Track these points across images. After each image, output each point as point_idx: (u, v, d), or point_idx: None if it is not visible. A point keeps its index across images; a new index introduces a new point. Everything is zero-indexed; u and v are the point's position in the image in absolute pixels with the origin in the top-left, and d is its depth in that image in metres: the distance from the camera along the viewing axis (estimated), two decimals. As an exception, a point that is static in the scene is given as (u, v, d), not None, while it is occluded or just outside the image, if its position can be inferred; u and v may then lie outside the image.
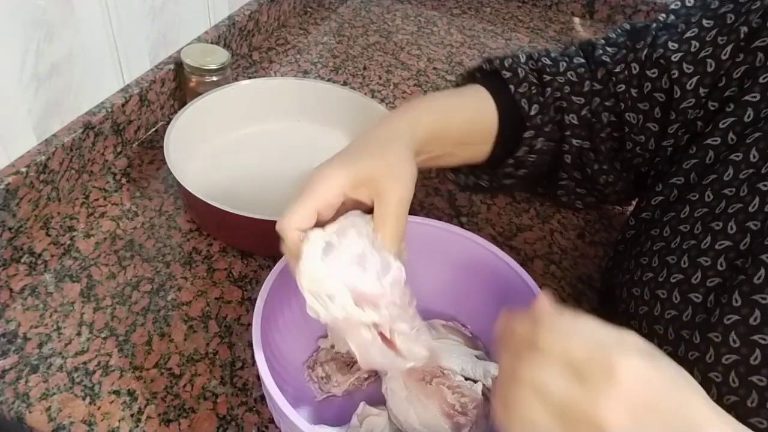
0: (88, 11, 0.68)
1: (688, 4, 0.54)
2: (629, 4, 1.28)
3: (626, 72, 0.54)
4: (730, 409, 0.39)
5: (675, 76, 0.50)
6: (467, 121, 0.54)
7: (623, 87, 0.54)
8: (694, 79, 0.49)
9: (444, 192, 0.80)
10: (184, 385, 0.55)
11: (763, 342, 0.38)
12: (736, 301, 0.40)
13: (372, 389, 0.54)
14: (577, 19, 1.31)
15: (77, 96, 0.71)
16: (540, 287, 0.50)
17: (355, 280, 0.40)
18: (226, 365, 0.57)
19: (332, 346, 0.54)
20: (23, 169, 0.63)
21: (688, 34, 0.51)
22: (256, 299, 0.63)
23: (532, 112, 0.54)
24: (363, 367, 0.49)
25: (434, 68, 1.07)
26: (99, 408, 0.53)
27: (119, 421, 0.52)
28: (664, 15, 0.54)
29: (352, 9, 1.22)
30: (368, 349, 0.42)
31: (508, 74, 0.56)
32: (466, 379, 0.51)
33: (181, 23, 0.85)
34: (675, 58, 0.50)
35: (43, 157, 0.65)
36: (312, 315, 0.42)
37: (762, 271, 0.40)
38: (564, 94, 0.55)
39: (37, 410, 0.52)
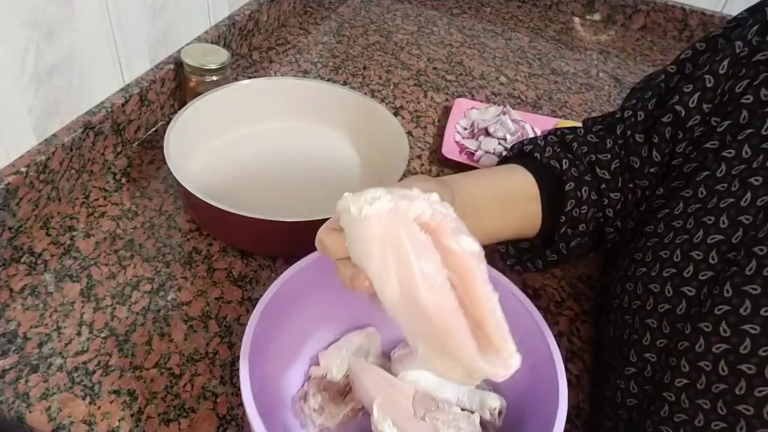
0: (88, 11, 0.68)
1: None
2: (629, 3, 1.28)
3: (633, 119, 0.55)
4: (717, 396, 0.40)
5: (676, 100, 0.51)
6: (500, 177, 0.53)
7: (630, 132, 0.55)
8: (696, 96, 0.50)
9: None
10: (184, 385, 0.55)
11: (753, 331, 0.39)
12: (728, 292, 0.41)
13: (366, 422, 0.49)
14: (577, 19, 1.32)
15: (77, 96, 0.71)
16: (535, 304, 0.50)
17: None
18: (226, 365, 0.57)
19: (324, 375, 0.53)
20: (23, 169, 0.63)
21: (683, 56, 0.54)
22: (256, 299, 0.63)
23: (564, 167, 0.54)
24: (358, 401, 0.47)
25: (434, 68, 1.07)
26: (99, 408, 0.53)
27: (119, 420, 0.52)
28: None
29: (352, 9, 1.22)
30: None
31: (529, 147, 0.56)
32: (463, 410, 0.49)
33: (181, 23, 0.85)
34: (660, 78, 0.53)
35: (43, 157, 0.65)
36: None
37: (753, 263, 0.41)
38: (590, 149, 0.56)
39: (37, 410, 0.52)
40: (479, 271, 0.33)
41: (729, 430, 0.39)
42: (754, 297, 0.40)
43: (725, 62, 0.49)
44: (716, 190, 0.46)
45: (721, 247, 0.44)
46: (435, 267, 0.33)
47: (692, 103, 0.50)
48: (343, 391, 0.52)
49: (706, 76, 0.49)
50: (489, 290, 0.33)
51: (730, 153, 0.46)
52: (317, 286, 0.51)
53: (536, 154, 0.55)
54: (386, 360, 0.55)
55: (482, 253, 0.34)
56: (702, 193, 0.47)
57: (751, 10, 0.50)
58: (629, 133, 0.55)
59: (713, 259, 0.44)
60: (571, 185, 0.53)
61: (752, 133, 0.45)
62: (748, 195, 0.44)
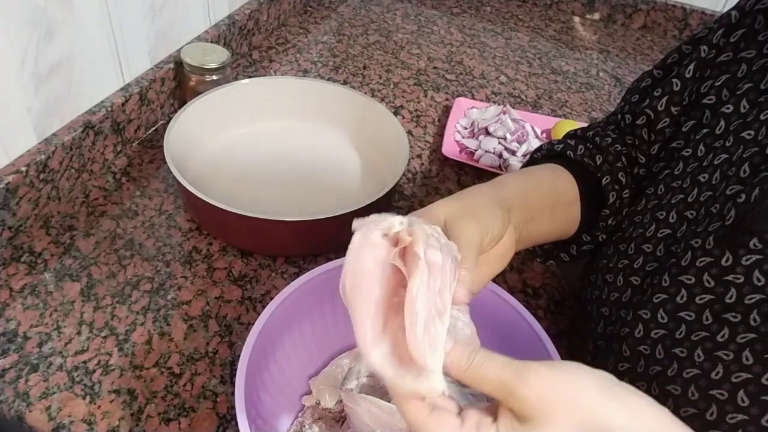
0: (88, 10, 0.68)
1: None
2: (629, 3, 1.28)
3: (623, 122, 0.56)
4: (653, 378, 0.42)
5: (646, 103, 0.53)
6: (548, 179, 0.54)
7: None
8: (664, 100, 0.51)
9: (444, 191, 0.80)
10: (184, 385, 0.55)
11: (688, 318, 0.42)
12: (665, 282, 0.44)
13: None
14: (577, 19, 1.31)
15: (77, 95, 0.71)
16: (530, 310, 0.50)
17: None
18: (226, 364, 0.57)
19: (318, 403, 0.52)
20: (23, 168, 0.63)
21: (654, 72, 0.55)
22: (256, 298, 0.63)
23: (598, 162, 0.55)
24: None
25: (434, 67, 1.07)
26: (99, 407, 0.53)
27: (119, 420, 0.52)
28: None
29: (352, 8, 1.22)
30: None
31: (560, 146, 0.57)
32: None
33: (181, 22, 0.85)
34: (647, 83, 0.55)
35: (43, 156, 0.65)
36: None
37: (689, 254, 0.43)
38: (614, 141, 0.57)
39: (37, 409, 0.52)
40: (420, 281, 0.30)
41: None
42: (689, 286, 0.42)
43: (691, 66, 0.50)
44: (671, 187, 0.48)
45: (667, 240, 0.46)
46: (386, 248, 0.32)
47: (661, 106, 0.52)
48: (339, 418, 0.51)
49: (674, 80, 0.51)
50: (415, 301, 0.30)
51: (687, 152, 0.48)
52: (303, 313, 0.51)
53: (569, 153, 0.56)
54: (377, 379, 0.54)
55: (455, 272, 0.33)
56: (661, 190, 0.49)
57: (726, 13, 0.51)
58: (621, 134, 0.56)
59: (660, 252, 0.46)
60: (607, 179, 0.54)
61: (708, 132, 0.47)
62: (695, 191, 0.46)
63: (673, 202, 0.47)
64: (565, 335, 0.64)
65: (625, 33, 1.29)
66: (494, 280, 0.51)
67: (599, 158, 0.54)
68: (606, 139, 0.56)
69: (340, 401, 0.51)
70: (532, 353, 0.47)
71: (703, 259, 0.42)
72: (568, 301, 0.68)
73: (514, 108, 0.94)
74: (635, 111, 0.55)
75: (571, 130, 0.62)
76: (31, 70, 0.63)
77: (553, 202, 0.52)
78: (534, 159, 0.60)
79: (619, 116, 0.57)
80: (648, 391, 0.41)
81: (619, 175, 0.54)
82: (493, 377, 0.30)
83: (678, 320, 0.42)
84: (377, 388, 0.52)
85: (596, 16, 1.32)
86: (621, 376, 0.43)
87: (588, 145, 0.56)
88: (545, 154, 0.59)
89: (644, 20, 1.30)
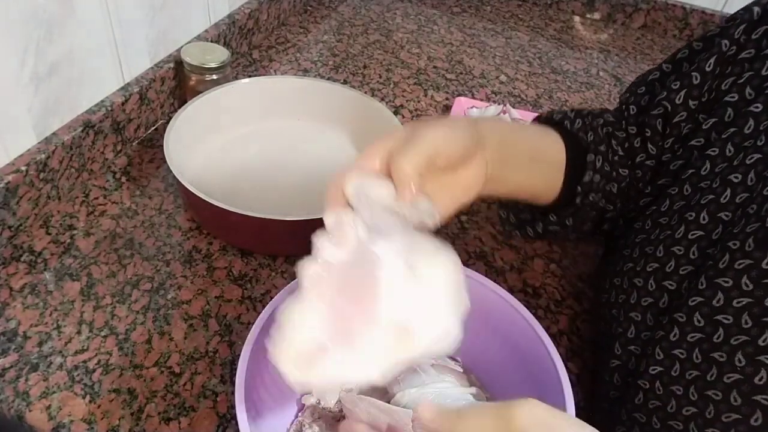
0: (88, 9, 0.68)
1: None
2: (629, 2, 1.28)
3: (626, 112, 0.56)
4: (691, 382, 0.42)
5: (663, 96, 0.52)
6: (535, 135, 0.53)
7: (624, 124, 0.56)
8: (682, 93, 0.51)
9: (444, 191, 0.80)
10: (184, 384, 0.55)
11: (726, 321, 0.41)
12: (702, 284, 0.43)
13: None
14: (577, 18, 1.31)
15: (77, 94, 0.71)
16: (531, 310, 0.50)
17: None
18: (226, 364, 0.57)
19: (318, 402, 0.52)
20: (23, 168, 0.63)
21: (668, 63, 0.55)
22: (256, 298, 0.63)
23: (590, 139, 0.55)
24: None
25: (434, 67, 1.07)
26: (99, 406, 0.53)
27: (119, 419, 0.52)
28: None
29: (352, 7, 1.22)
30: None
31: (559, 116, 0.57)
32: None
33: (181, 22, 0.85)
34: (655, 76, 0.55)
35: (43, 156, 0.65)
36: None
37: (727, 257, 0.42)
38: (608, 125, 0.57)
39: (37, 409, 0.52)
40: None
41: (699, 414, 0.41)
42: (726, 289, 0.41)
43: (712, 60, 0.49)
44: (699, 188, 0.47)
45: (701, 242, 0.45)
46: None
47: (679, 99, 0.51)
48: (339, 417, 0.51)
49: (693, 74, 0.50)
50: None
51: (714, 151, 0.47)
52: None
53: (566, 123, 0.56)
54: None
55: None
56: (687, 190, 0.48)
57: (745, 9, 0.51)
58: (624, 125, 0.56)
59: (693, 254, 0.45)
60: (591, 157, 0.54)
61: (736, 131, 0.46)
62: (728, 192, 0.45)
63: (702, 202, 0.46)
64: (565, 335, 0.64)
65: (626, 32, 1.29)
66: (494, 280, 0.51)
67: (591, 135, 0.54)
68: (605, 125, 0.56)
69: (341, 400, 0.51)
70: (532, 353, 0.47)
71: (742, 261, 0.41)
72: (567, 300, 0.68)
73: (514, 107, 0.94)
74: (640, 102, 0.54)
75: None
76: (30, 69, 0.63)
77: (532, 156, 0.51)
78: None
79: (624, 106, 0.57)
80: (685, 396, 0.42)
81: (604, 161, 0.54)
82: None
83: (715, 323, 0.41)
84: (376, 390, 0.52)
85: (596, 15, 1.32)
86: (653, 379, 0.44)
87: (585, 121, 0.56)
88: (542, 121, 0.59)
89: (644, 20, 1.30)
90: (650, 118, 0.53)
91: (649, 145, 0.54)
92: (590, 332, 0.64)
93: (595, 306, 0.62)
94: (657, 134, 0.53)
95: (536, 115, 0.62)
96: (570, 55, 1.17)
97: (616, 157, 0.55)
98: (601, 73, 1.12)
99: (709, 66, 0.49)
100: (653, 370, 0.45)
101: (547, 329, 0.48)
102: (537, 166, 0.52)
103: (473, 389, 0.51)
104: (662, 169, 0.53)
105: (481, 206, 0.78)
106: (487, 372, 0.54)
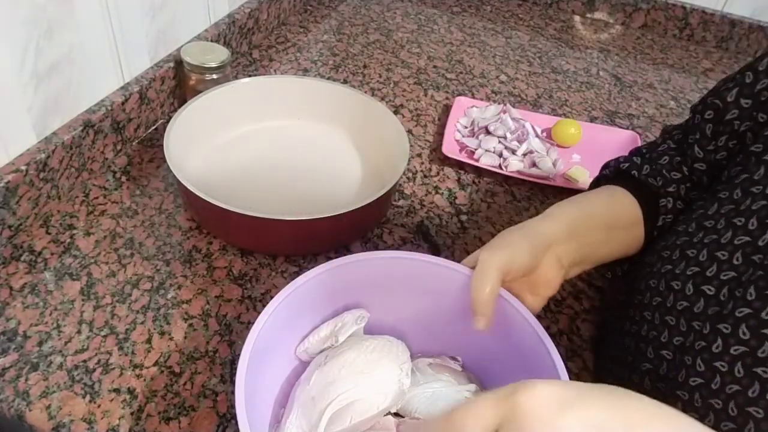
0: (88, 9, 0.68)
1: None
2: (629, 2, 1.28)
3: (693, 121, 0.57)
4: (731, 397, 0.40)
5: (717, 91, 0.53)
6: (606, 202, 0.55)
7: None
8: (734, 90, 0.51)
9: (444, 190, 0.80)
10: (184, 384, 0.55)
11: None
12: (751, 295, 0.41)
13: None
14: (577, 18, 1.31)
15: (77, 94, 0.71)
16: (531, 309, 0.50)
17: None
18: (226, 363, 0.57)
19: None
20: (23, 167, 0.63)
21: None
22: (256, 297, 0.63)
23: (660, 183, 0.55)
24: None
25: (434, 66, 1.07)
26: (99, 406, 0.53)
27: (119, 419, 0.52)
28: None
29: (353, 7, 1.22)
30: None
31: (626, 164, 0.57)
32: None
33: (181, 21, 0.85)
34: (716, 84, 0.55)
35: (43, 155, 0.65)
36: None
37: None
38: (673, 155, 0.57)
39: (37, 408, 0.52)
40: None
41: (737, 431, 0.40)
42: None
43: (765, 60, 0.49)
44: (751, 192, 0.46)
45: (746, 248, 0.43)
46: None
47: (731, 97, 0.51)
48: None
49: (747, 73, 0.50)
50: None
51: None
52: (303, 312, 0.50)
53: (634, 172, 0.56)
54: None
55: None
56: (737, 194, 0.47)
57: None
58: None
59: (737, 260, 0.44)
60: (663, 201, 0.55)
61: None
62: None
63: (753, 208, 0.44)
64: (565, 334, 0.64)
65: (626, 32, 1.29)
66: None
67: (660, 179, 0.55)
68: (664, 156, 0.57)
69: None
70: (532, 352, 0.47)
71: None
72: (567, 300, 0.68)
73: (514, 107, 0.94)
74: (697, 109, 0.55)
75: (636, 147, 0.62)
76: (30, 69, 0.63)
77: (609, 225, 0.53)
78: (602, 176, 0.62)
79: (692, 115, 0.57)
80: (724, 410, 0.41)
81: (680, 189, 0.55)
82: None
83: (762, 338, 0.40)
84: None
85: (597, 15, 1.32)
86: (692, 390, 0.43)
87: (652, 166, 0.56)
88: (612, 173, 0.60)
89: (644, 19, 1.30)
90: (703, 121, 0.53)
91: (697, 150, 0.54)
92: (590, 332, 0.64)
93: (607, 308, 0.61)
94: (705, 137, 0.54)
95: (602, 165, 0.63)
96: (570, 54, 1.17)
97: (686, 186, 0.56)
98: (601, 73, 1.12)
99: (762, 66, 0.49)
100: (693, 381, 0.43)
101: (547, 329, 0.47)
102: (615, 233, 0.54)
103: (471, 386, 0.51)
104: (715, 173, 0.53)
105: (481, 206, 0.78)
106: (486, 371, 0.54)
